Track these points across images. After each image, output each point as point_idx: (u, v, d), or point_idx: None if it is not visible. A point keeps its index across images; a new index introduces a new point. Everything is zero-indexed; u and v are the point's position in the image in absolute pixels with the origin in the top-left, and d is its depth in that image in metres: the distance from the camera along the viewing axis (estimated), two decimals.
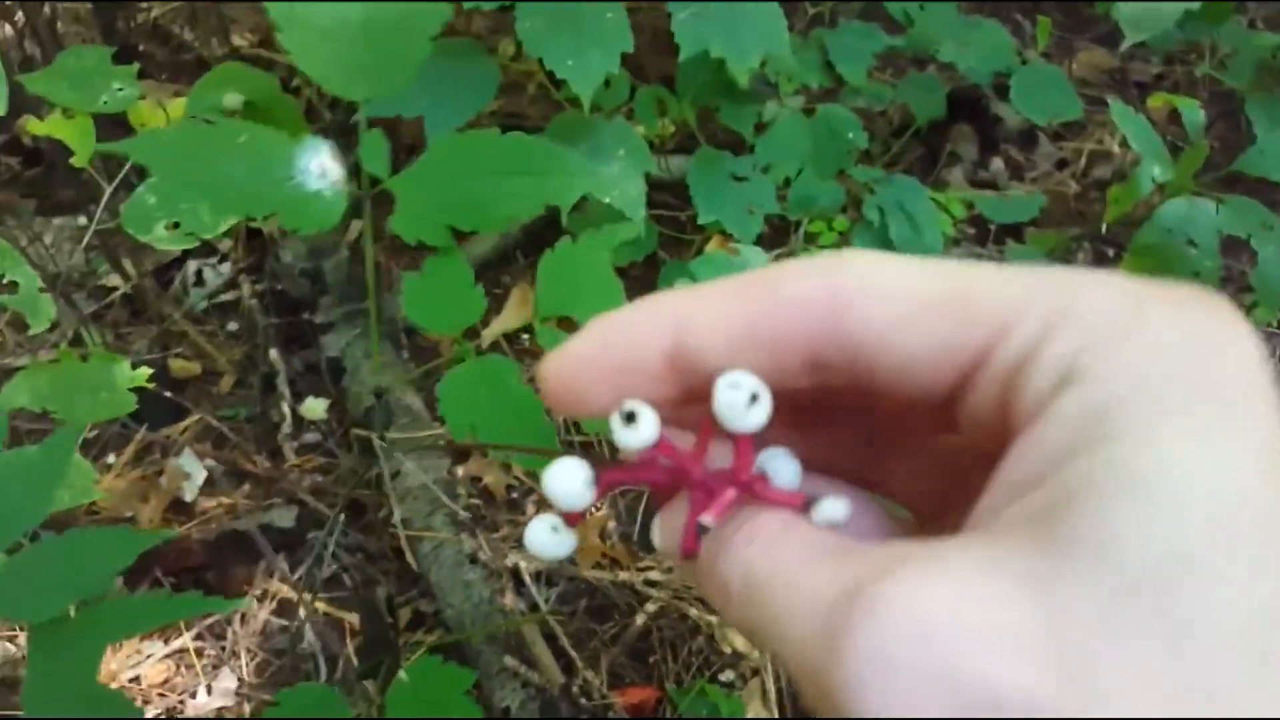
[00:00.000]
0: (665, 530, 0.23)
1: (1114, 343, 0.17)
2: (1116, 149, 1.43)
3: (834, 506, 0.21)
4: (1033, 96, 1.04)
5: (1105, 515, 0.16)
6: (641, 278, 1.06)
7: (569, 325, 0.50)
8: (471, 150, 0.51)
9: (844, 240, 0.96)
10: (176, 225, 0.81)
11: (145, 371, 0.81)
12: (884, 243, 0.93)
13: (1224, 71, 1.04)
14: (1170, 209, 0.90)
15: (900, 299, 0.19)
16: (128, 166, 0.86)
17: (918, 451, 0.24)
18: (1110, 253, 1.28)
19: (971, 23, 1.11)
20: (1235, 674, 0.15)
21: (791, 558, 0.19)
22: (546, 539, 0.23)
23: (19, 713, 0.93)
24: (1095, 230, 1.21)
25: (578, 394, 0.22)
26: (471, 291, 0.50)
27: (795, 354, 0.20)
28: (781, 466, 0.22)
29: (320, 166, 0.49)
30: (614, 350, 0.22)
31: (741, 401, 0.20)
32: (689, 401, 0.22)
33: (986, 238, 1.26)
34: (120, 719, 0.51)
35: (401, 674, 0.50)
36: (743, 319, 0.20)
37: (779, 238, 1.06)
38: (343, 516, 1.03)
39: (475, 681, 0.89)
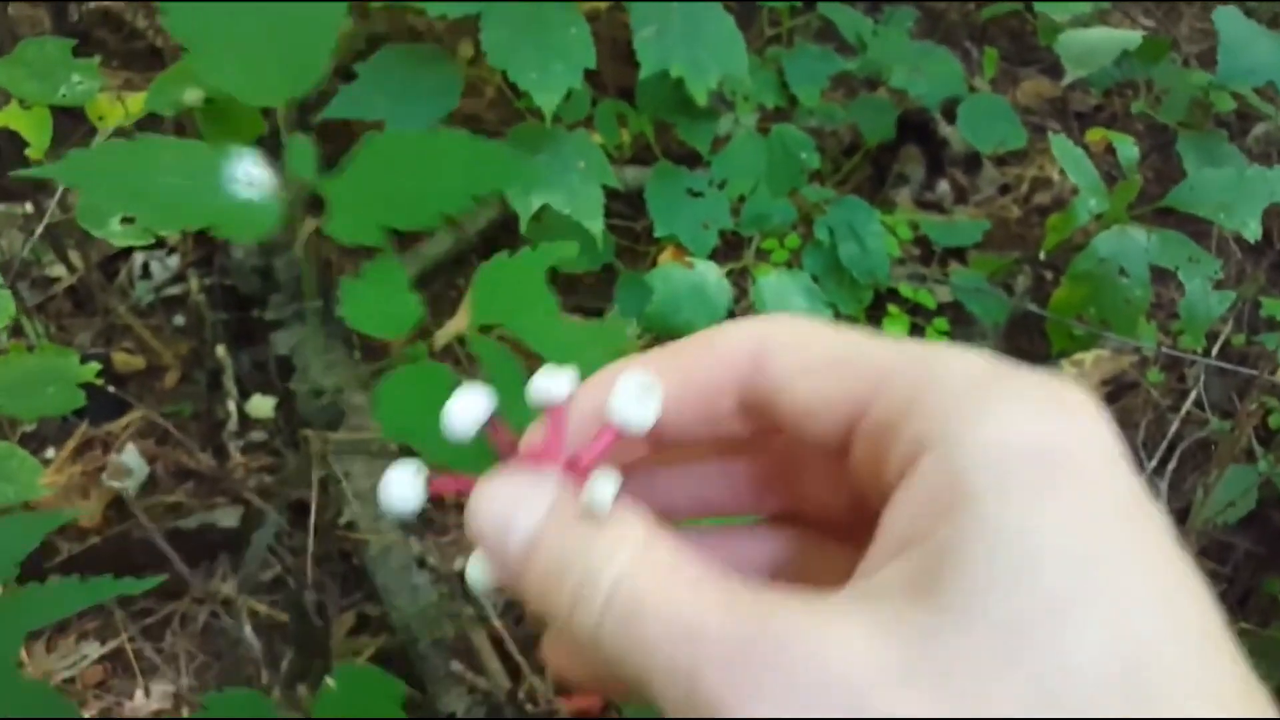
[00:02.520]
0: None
1: (970, 412, 0.19)
2: (1056, 176, 1.47)
3: (604, 484, 0.21)
4: (979, 125, 1.08)
5: (973, 572, 0.17)
6: (597, 287, 1.07)
7: (506, 338, 0.52)
8: (399, 149, 0.51)
9: (795, 258, 0.99)
10: (132, 220, 0.80)
11: (94, 367, 0.80)
12: (833, 262, 0.95)
13: (1159, 108, 1.09)
14: (1104, 240, 0.94)
15: (803, 352, 0.22)
16: None
17: (825, 483, 0.25)
18: (1049, 276, 1.32)
19: (923, 49, 1.14)
20: (1117, 710, 0.16)
21: (666, 581, 0.20)
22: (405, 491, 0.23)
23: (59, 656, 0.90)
24: (1035, 255, 1.26)
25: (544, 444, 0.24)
26: (407, 295, 0.50)
27: (726, 398, 0.23)
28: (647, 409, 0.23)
29: (248, 175, 0.49)
30: (580, 406, 0.24)
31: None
32: (656, 448, 0.24)
33: (931, 259, 1.29)
34: (47, 714, 0.50)
35: (328, 681, 0.51)
36: (682, 371, 0.23)
37: (732, 252, 1.08)
38: (288, 517, 1.02)
39: (420, 688, 0.89)
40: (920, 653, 0.17)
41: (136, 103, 0.85)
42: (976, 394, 0.19)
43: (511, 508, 0.22)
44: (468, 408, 0.23)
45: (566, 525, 0.21)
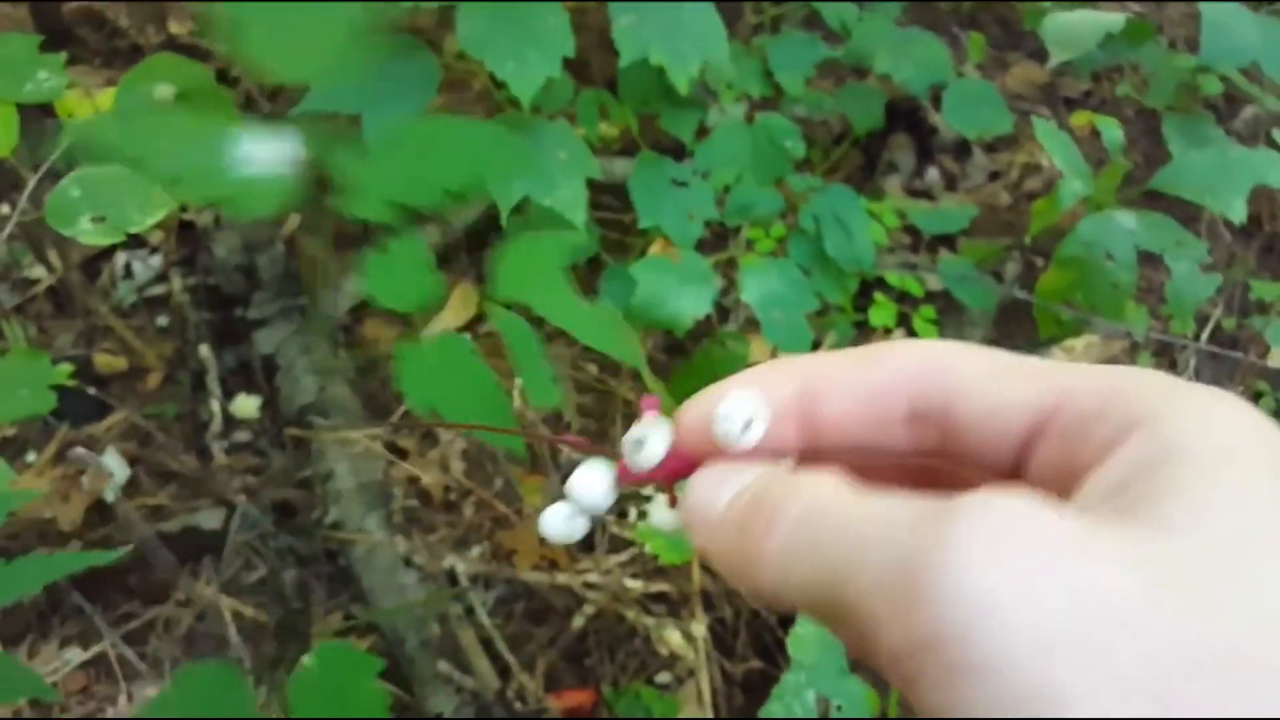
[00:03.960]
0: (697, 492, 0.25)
1: (1171, 399, 0.21)
2: (1046, 163, 1.46)
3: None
4: (965, 110, 1.07)
5: (1186, 502, 0.19)
6: (583, 280, 1.06)
7: (520, 310, 0.52)
8: (419, 133, 0.52)
9: (781, 247, 0.97)
10: (103, 219, 0.79)
11: (66, 369, 0.79)
12: (819, 251, 0.94)
13: (1146, 91, 1.08)
14: (1089, 224, 0.93)
15: (984, 361, 0.24)
16: (54, 157, 0.83)
17: None
18: (1040, 262, 1.31)
19: (908, 35, 1.13)
20: None
21: (855, 497, 0.21)
22: (561, 525, 0.26)
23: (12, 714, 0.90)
24: (1024, 242, 1.25)
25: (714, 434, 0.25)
26: (431, 272, 0.50)
27: (898, 401, 0.24)
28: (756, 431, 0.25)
29: (262, 151, 0.48)
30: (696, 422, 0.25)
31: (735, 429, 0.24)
32: (812, 445, 0.25)
33: (920, 246, 1.28)
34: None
35: (305, 660, 0.50)
36: (859, 371, 0.25)
37: (720, 244, 1.07)
38: (273, 519, 1.01)
39: (408, 689, 0.88)
40: (1138, 547, 0.18)
41: (106, 98, 0.83)
42: (1169, 388, 0.21)
43: (724, 476, 0.24)
44: (593, 481, 0.26)
45: (769, 476, 0.23)
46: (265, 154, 0.48)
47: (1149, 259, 1.01)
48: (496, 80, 0.87)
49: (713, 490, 0.24)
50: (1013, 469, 0.23)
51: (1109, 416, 0.21)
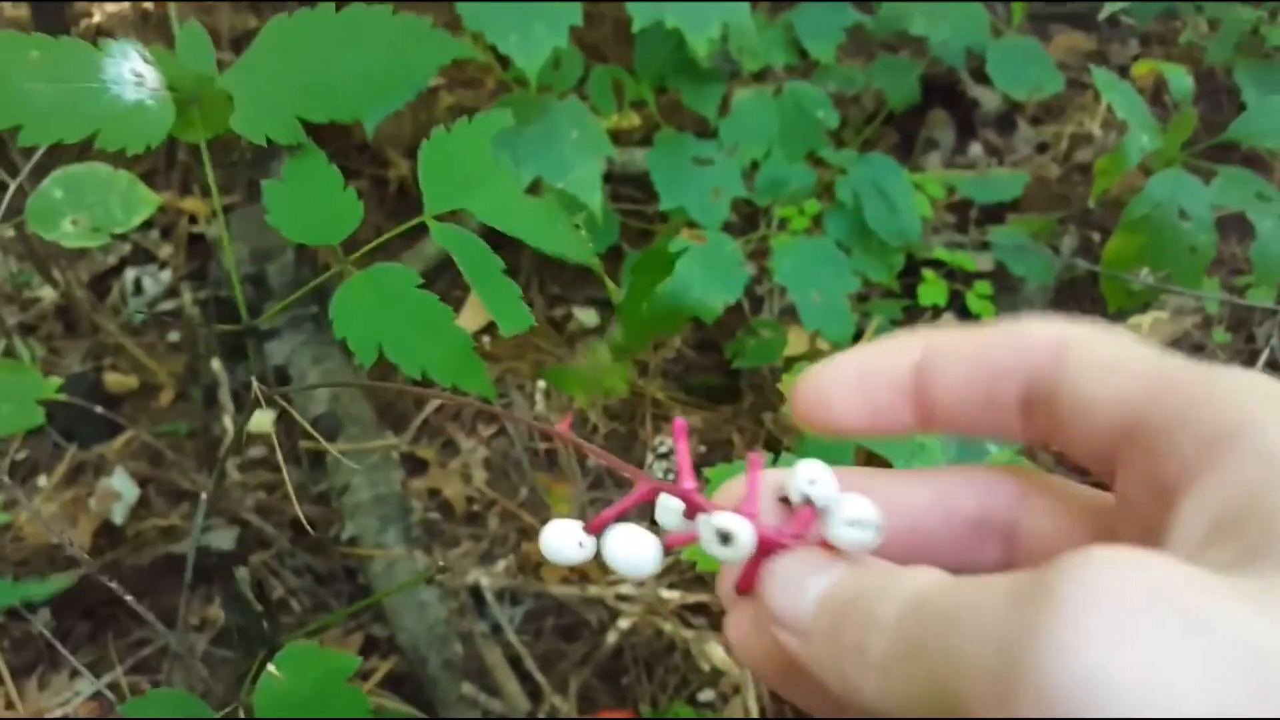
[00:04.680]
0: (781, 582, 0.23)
1: (1268, 406, 0.19)
2: (1098, 131, 1.38)
3: (858, 506, 0.22)
4: (1011, 70, 0.99)
5: None
6: (606, 272, 1.00)
7: (461, 220, 0.45)
8: (308, 29, 0.44)
9: (816, 224, 0.90)
10: (85, 221, 0.74)
11: (56, 381, 0.74)
12: (858, 225, 0.87)
13: (1211, 38, 0.99)
14: (1160, 180, 0.85)
15: (1103, 350, 0.22)
16: (33, 161, 0.79)
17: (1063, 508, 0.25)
18: (1096, 237, 1.23)
19: None
20: None
21: (955, 586, 0.19)
22: (570, 549, 0.24)
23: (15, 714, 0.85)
24: (1081, 212, 1.16)
25: (830, 407, 0.24)
26: (343, 194, 0.43)
27: (1015, 383, 0.22)
28: (824, 488, 0.23)
29: (134, 73, 0.43)
30: (871, 368, 0.24)
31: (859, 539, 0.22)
32: (926, 425, 0.24)
33: (966, 225, 1.20)
34: None
35: (271, 668, 0.44)
36: (978, 349, 0.23)
37: (748, 226, 1.00)
38: (288, 535, 0.96)
39: (432, 713, 0.82)
40: (1260, 594, 0.16)
41: None
42: (1264, 390, 0.19)
43: (805, 569, 0.22)
44: (639, 549, 0.23)
45: (859, 574, 0.21)
46: (138, 75, 0.42)
47: (1217, 225, 0.92)
48: (501, 57, 0.81)
49: (796, 588, 0.22)
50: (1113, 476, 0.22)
51: (1193, 427, 0.19)
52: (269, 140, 0.43)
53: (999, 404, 0.23)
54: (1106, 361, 0.21)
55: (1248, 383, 0.20)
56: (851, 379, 0.24)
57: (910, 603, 0.19)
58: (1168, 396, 0.20)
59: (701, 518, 0.22)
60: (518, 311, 0.42)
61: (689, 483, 0.23)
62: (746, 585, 0.23)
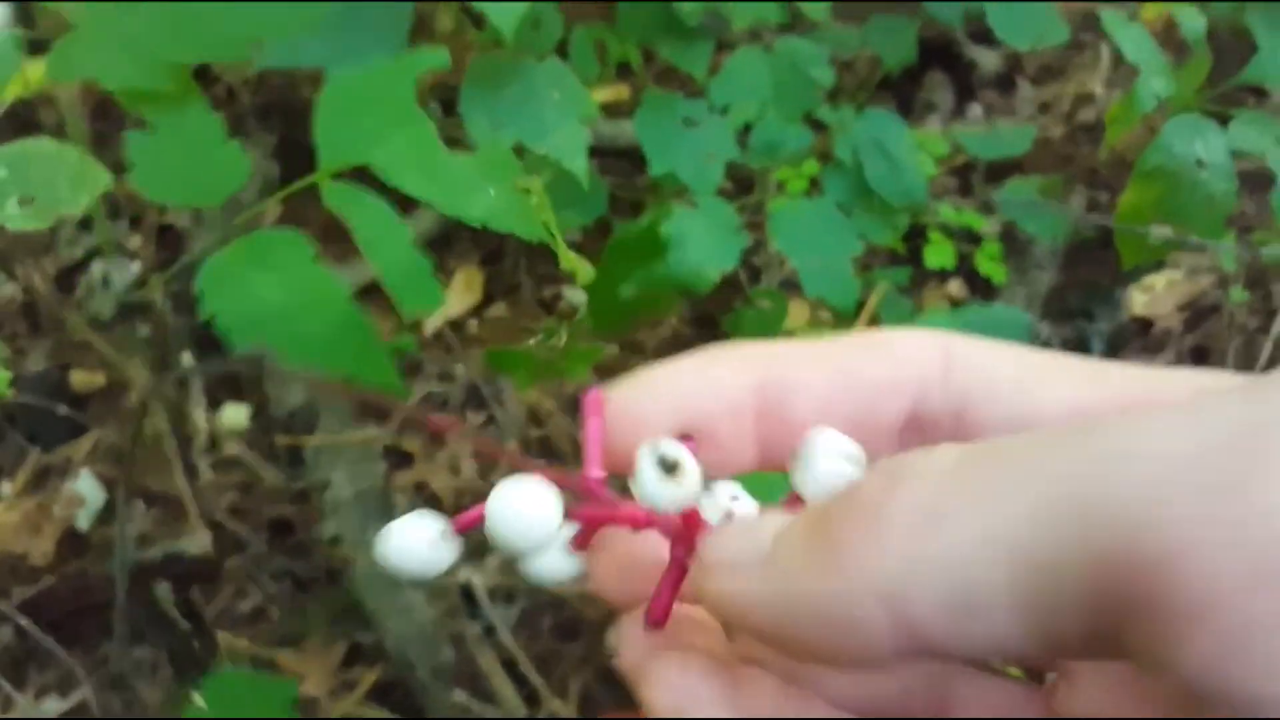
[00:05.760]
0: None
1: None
2: (1100, 90, 1.33)
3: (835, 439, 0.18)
4: (1013, 21, 0.94)
5: None
6: (588, 245, 0.95)
7: (367, 178, 0.39)
8: None
9: (815, 186, 0.85)
10: (31, 200, 0.68)
11: (5, 376, 0.69)
12: (859, 185, 0.82)
13: None
14: (1176, 126, 0.80)
15: (1017, 357, 0.20)
16: None
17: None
18: (1104, 197, 1.18)
19: None
20: None
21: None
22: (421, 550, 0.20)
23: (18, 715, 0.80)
24: (1087, 171, 1.11)
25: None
26: (226, 148, 0.37)
27: (895, 404, 0.20)
28: (745, 506, 0.20)
29: None
30: (695, 390, 0.20)
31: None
32: (767, 455, 0.21)
33: (969, 188, 1.16)
34: None
35: (195, 697, 0.38)
36: (845, 362, 0.20)
37: (742, 191, 0.95)
38: (265, 538, 0.90)
39: (403, 708, 0.77)
40: None
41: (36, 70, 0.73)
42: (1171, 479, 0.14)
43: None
44: (531, 509, 0.19)
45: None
46: None
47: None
48: (474, 17, 0.76)
49: (748, 531, 0.17)
50: None
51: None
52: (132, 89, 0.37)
53: (874, 426, 0.20)
54: (1038, 367, 0.19)
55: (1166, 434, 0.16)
56: (670, 404, 0.20)
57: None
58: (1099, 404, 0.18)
59: (642, 448, 0.18)
60: (427, 288, 0.36)
61: (595, 471, 0.19)
62: (662, 615, 0.19)
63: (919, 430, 0.20)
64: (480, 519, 0.19)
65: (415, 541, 0.19)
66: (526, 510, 0.18)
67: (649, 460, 0.18)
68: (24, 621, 0.84)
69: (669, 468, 0.18)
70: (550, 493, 0.19)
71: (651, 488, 0.18)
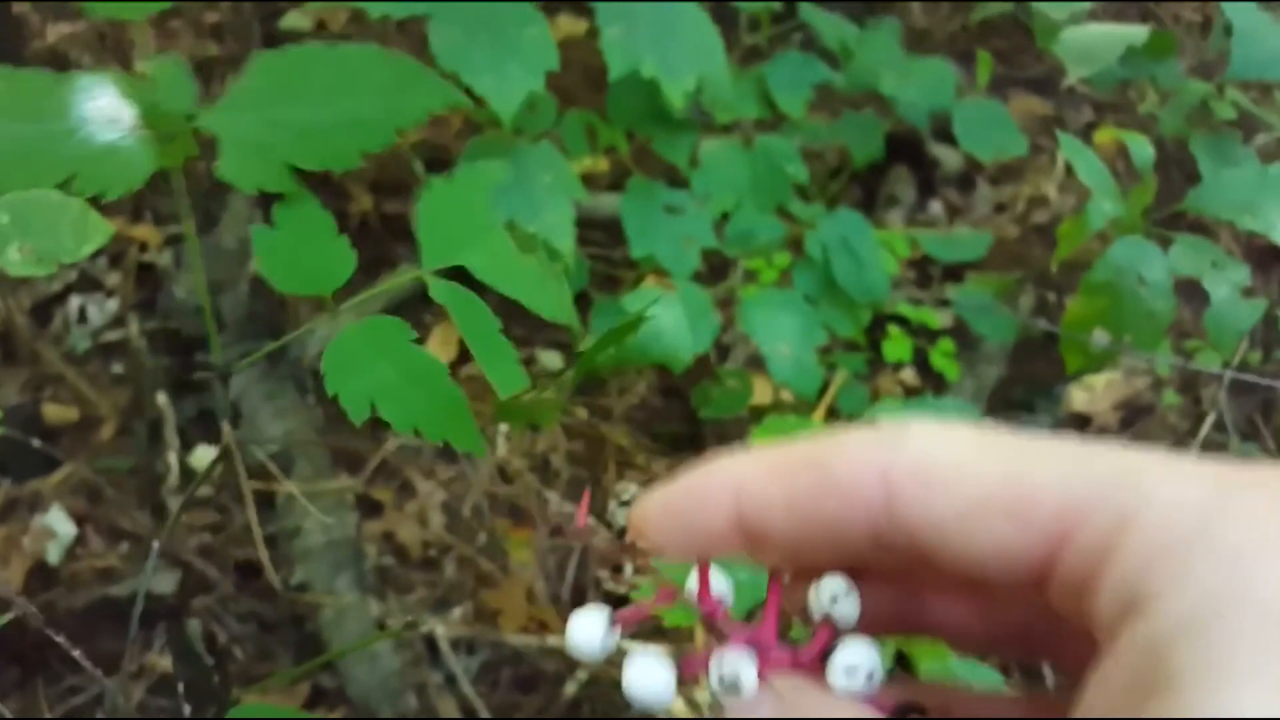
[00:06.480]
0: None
1: (1184, 557, 0.16)
2: (1054, 194, 1.41)
3: (855, 654, 0.21)
4: (976, 132, 1.01)
5: None
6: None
7: (461, 277, 0.43)
8: (299, 70, 0.43)
9: (785, 278, 0.90)
10: (32, 249, 0.71)
11: None
12: (827, 280, 0.87)
13: (1164, 107, 1.03)
14: (1122, 246, 0.86)
15: (955, 492, 0.19)
16: None
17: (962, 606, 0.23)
18: (1052, 297, 1.25)
19: (911, 57, 1.07)
20: None
21: None
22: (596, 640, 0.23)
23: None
24: (1040, 273, 1.18)
25: (662, 537, 0.22)
26: (337, 243, 0.42)
27: (854, 533, 0.20)
28: (846, 607, 0.22)
29: (107, 110, 0.41)
30: (695, 497, 0.22)
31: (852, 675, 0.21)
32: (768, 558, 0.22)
33: (928, 281, 1.22)
34: None
35: None
36: (798, 499, 0.20)
37: (716, 274, 1.00)
38: (233, 580, 0.92)
39: None
40: None
41: None
42: (1192, 529, 0.17)
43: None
44: (652, 676, 0.22)
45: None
46: (113, 112, 0.40)
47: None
48: (475, 97, 0.81)
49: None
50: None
51: (1105, 587, 0.17)
52: (261, 190, 0.41)
53: (844, 549, 0.20)
54: (982, 495, 0.19)
55: (1170, 501, 0.18)
56: (679, 509, 0.22)
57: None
58: (1081, 536, 0.18)
59: (712, 660, 0.21)
60: (515, 373, 0.41)
61: (768, 632, 0.22)
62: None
63: (883, 547, 0.20)
64: (640, 618, 0.23)
65: (592, 631, 0.22)
66: (652, 686, 0.22)
67: (715, 676, 0.21)
68: None
69: (729, 688, 0.21)
70: (668, 669, 0.22)
71: (718, 698, 0.21)
